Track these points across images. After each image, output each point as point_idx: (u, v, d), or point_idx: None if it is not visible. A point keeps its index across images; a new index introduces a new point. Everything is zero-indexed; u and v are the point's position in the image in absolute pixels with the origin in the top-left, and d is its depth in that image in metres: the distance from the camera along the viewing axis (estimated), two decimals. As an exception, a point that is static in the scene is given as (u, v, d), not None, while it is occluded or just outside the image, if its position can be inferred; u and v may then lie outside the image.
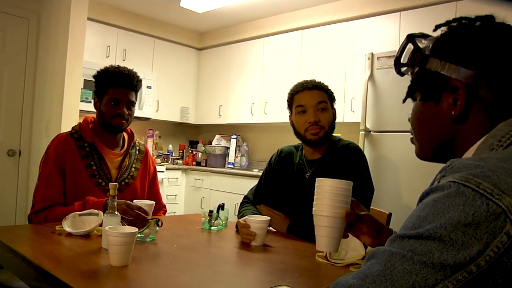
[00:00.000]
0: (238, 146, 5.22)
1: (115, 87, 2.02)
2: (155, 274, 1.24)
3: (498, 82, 0.73)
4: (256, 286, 1.08)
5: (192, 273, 1.27)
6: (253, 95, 4.92)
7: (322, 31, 4.29)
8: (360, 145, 3.13)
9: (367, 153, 3.10)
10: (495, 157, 0.62)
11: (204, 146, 5.49)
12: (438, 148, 0.81)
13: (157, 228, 1.64)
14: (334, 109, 2.00)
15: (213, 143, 5.45)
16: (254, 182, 2.21)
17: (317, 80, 2.01)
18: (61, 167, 1.96)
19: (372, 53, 3.20)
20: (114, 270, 1.23)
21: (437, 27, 0.84)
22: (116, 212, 1.50)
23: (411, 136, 0.90)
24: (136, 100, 2.11)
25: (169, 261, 1.40)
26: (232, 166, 5.13)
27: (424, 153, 0.85)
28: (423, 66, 0.79)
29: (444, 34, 0.81)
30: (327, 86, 2.00)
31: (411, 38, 0.84)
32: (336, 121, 2.00)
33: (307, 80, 2.01)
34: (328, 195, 1.12)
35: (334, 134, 2.03)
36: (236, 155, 5.19)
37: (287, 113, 2.08)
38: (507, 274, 0.54)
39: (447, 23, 0.82)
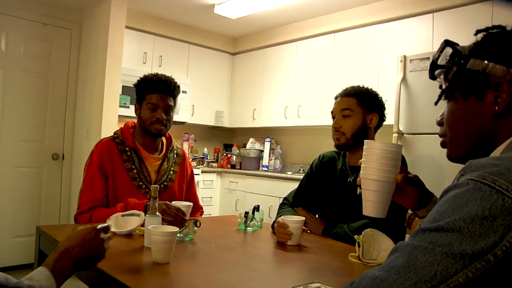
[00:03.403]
0: (272, 149, 5.28)
1: (152, 93, 2.11)
2: (195, 272, 1.31)
3: None
4: (290, 283, 1.13)
5: (230, 271, 1.34)
6: (286, 98, 4.97)
7: (354, 34, 4.30)
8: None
9: (400, 155, 3.10)
10: (510, 156, 0.66)
11: (238, 149, 5.57)
12: (475, 146, 0.84)
13: (196, 228, 1.72)
14: (370, 114, 1.97)
15: (247, 146, 5.53)
16: (288, 184, 2.26)
17: (358, 85, 2.03)
18: (104, 170, 2.06)
19: (404, 55, 3.19)
20: (157, 266, 1.31)
21: (478, 32, 0.87)
22: (157, 213, 1.59)
23: (442, 139, 0.92)
24: (174, 105, 2.19)
25: (207, 259, 1.47)
26: (266, 169, 5.19)
27: (459, 153, 0.87)
28: (464, 66, 0.83)
29: (484, 37, 0.84)
30: (364, 91, 1.99)
31: (449, 42, 0.88)
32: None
33: (346, 88, 2.03)
34: (376, 158, 1.09)
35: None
36: (270, 158, 5.24)
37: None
38: None
39: (486, 29, 0.86)
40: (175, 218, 1.86)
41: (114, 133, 2.21)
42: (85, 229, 1.16)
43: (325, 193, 2.04)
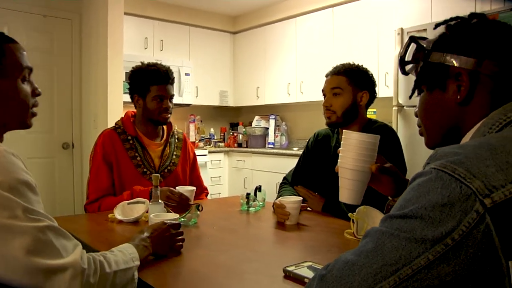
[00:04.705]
0: (277, 126, 5.32)
1: (156, 84, 2.17)
2: (197, 255, 1.38)
3: (496, 68, 0.81)
4: (285, 263, 1.19)
5: (230, 253, 1.41)
6: (288, 75, 4.99)
7: (352, 8, 4.28)
8: (393, 120, 3.16)
9: (400, 128, 3.13)
10: (471, 144, 0.71)
11: (244, 128, 5.63)
12: (446, 134, 0.90)
13: (198, 212, 1.79)
14: (361, 91, 1.97)
15: (253, 124, 5.58)
16: (295, 160, 2.30)
17: (349, 62, 2.03)
18: (108, 160, 2.14)
19: (401, 28, 3.19)
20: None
21: (437, 25, 0.93)
22: (159, 200, 1.66)
23: (419, 129, 0.98)
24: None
25: (209, 242, 1.55)
26: (272, 146, 5.25)
27: (433, 141, 0.94)
28: (427, 60, 0.89)
29: (443, 32, 0.89)
30: (354, 69, 1.99)
31: (413, 39, 0.94)
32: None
33: (336, 65, 2.04)
34: (353, 148, 1.15)
35: (370, 110, 2.07)
36: (276, 134, 5.29)
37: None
38: (477, 245, 0.63)
39: (444, 22, 0.91)
40: (178, 203, 1.94)
41: (116, 123, 2.27)
42: (161, 223, 1.40)
43: (321, 170, 2.10)
